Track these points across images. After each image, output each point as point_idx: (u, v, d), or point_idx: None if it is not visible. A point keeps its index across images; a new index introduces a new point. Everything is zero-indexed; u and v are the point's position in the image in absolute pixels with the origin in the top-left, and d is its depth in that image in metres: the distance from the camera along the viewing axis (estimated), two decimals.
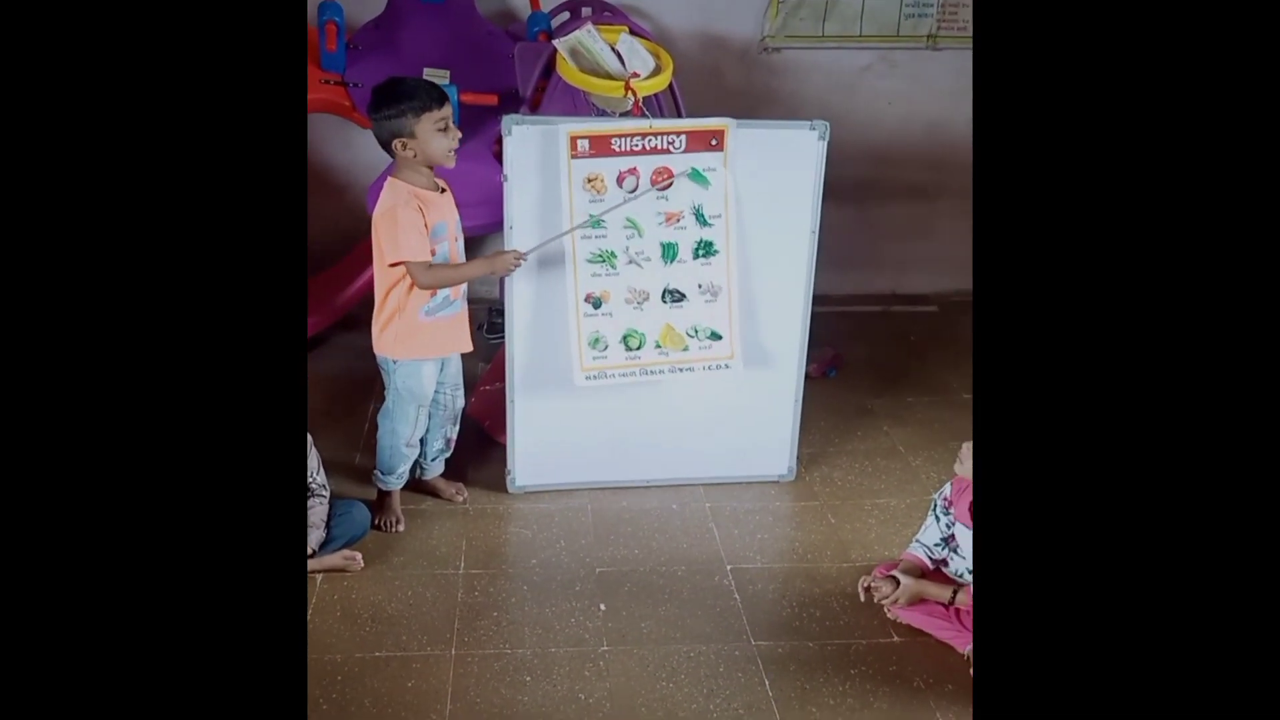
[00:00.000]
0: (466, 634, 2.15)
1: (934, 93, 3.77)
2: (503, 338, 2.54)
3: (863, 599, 2.23)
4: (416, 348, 2.34)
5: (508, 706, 1.96)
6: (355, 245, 3.39)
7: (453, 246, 2.34)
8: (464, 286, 2.38)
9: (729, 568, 2.41)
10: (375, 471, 2.49)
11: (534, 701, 1.98)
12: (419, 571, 2.35)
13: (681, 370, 2.53)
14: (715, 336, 2.53)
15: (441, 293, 2.31)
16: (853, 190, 3.77)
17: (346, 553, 2.33)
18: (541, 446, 2.62)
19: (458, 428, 2.59)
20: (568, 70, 2.60)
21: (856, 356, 3.50)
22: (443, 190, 2.33)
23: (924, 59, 3.72)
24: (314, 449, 2.39)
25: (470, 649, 2.11)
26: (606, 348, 2.48)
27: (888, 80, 3.74)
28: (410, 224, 2.20)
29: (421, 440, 2.50)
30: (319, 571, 2.29)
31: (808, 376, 2.75)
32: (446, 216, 2.32)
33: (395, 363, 2.36)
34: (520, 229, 2.40)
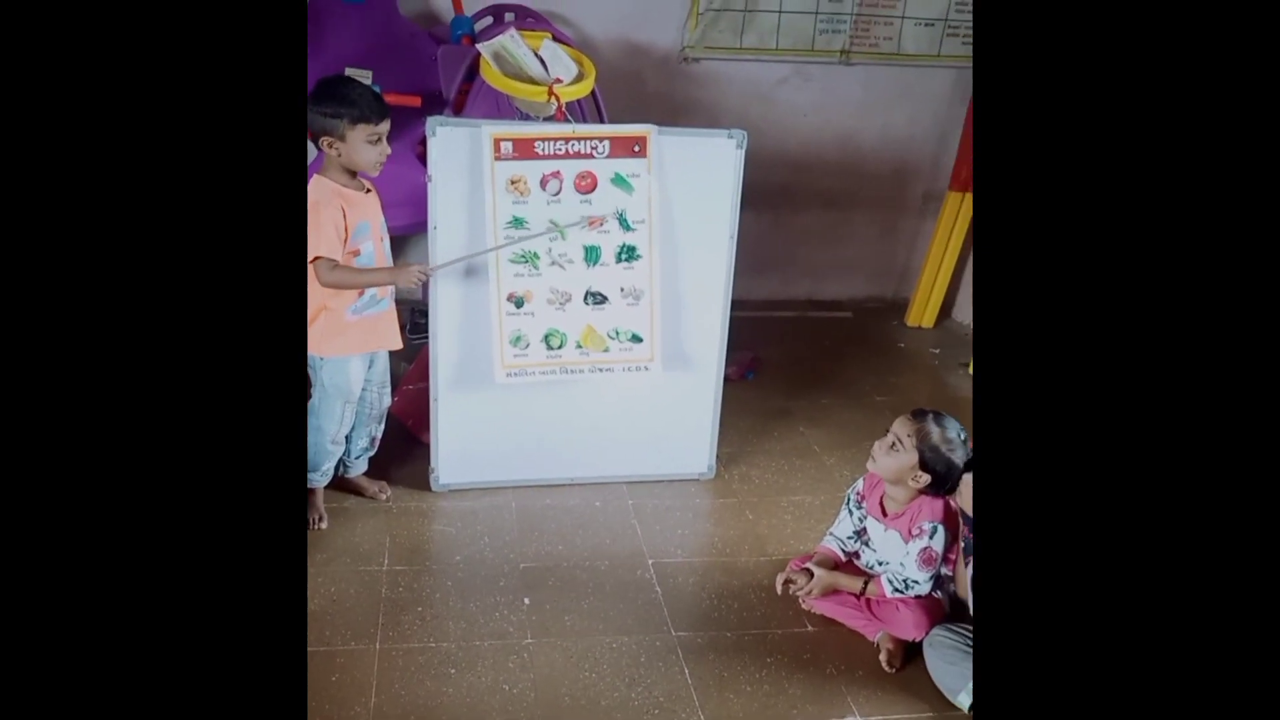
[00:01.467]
0: (391, 629, 2.17)
1: (846, 105, 3.91)
2: (426, 338, 2.56)
3: (779, 593, 2.30)
4: (343, 345, 2.35)
5: (432, 699, 1.99)
6: None
7: (378, 246, 2.35)
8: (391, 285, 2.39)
9: (650, 562, 2.46)
10: None
11: (458, 693, 2.00)
12: (342, 568, 2.35)
13: (601, 370, 2.58)
14: (636, 339, 2.58)
15: (369, 291, 2.33)
16: (769, 198, 3.88)
17: None
18: (465, 445, 2.65)
19: (383, 426, 2.60)
20: (491, 74, 2.63)
21: (774, 360, 3.60)
22: (368, 190, 2.35)
23: (837, 73, 3.85)
24: None
25: (394, 643, 2.12)
26: (528, 346, 2.51)
27: (803, 92, 3.86)
28: (328, 221, 2.21)
29: (346, 438, 2.51)
30: None
31: (727, 379, 2.83)
32: (370, 216, 2.33)
33: (322, 360, 2.36)
34: (445, 230, 2.42)
